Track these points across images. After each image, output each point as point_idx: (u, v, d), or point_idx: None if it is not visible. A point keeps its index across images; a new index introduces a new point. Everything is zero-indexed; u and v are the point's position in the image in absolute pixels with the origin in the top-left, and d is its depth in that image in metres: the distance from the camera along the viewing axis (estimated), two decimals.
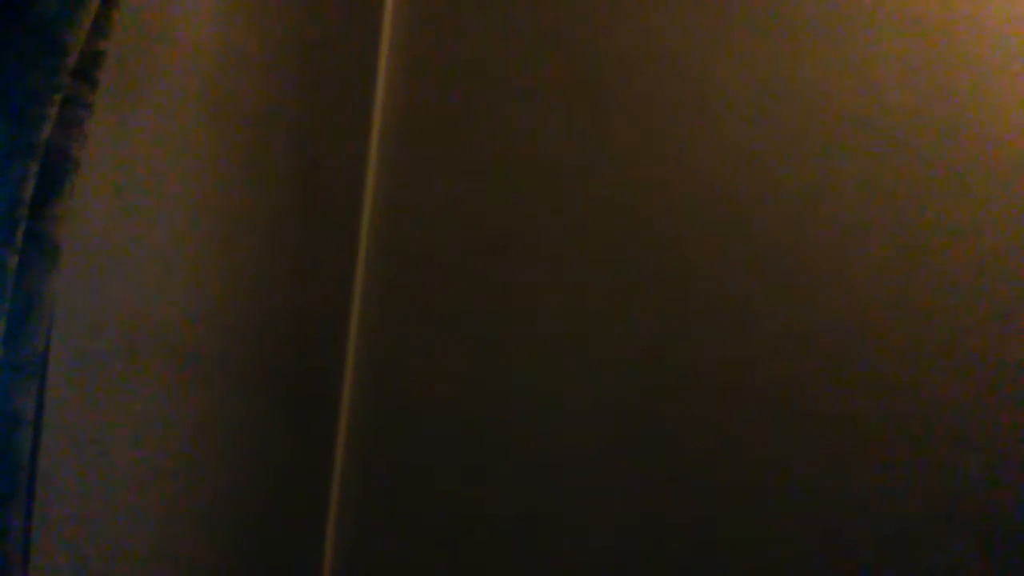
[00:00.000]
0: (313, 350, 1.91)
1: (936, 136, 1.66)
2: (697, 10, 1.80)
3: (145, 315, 1.54)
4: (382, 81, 1.96)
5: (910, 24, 1.69)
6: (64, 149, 1.23)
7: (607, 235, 1.81)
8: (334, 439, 1.92)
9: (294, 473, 1.88)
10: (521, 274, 1.85)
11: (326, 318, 1.93)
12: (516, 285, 1.85)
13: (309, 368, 1.91)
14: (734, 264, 1.74)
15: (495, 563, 1.82)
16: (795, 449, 1.68)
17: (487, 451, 1.84)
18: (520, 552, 1.81)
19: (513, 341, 1.85)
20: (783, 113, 1.74)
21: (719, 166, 1.76)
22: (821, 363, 1.68)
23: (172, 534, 1.63)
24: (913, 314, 1.65)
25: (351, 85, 1.95)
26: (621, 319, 1.79)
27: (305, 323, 1.90)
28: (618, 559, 1.76)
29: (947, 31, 1.67)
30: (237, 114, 1.72)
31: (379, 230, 1.95)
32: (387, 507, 1.89)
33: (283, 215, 1.85)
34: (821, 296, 1.69)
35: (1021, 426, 1.59)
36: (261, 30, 1.76)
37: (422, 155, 1.94)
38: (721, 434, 1.72)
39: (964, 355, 1.62)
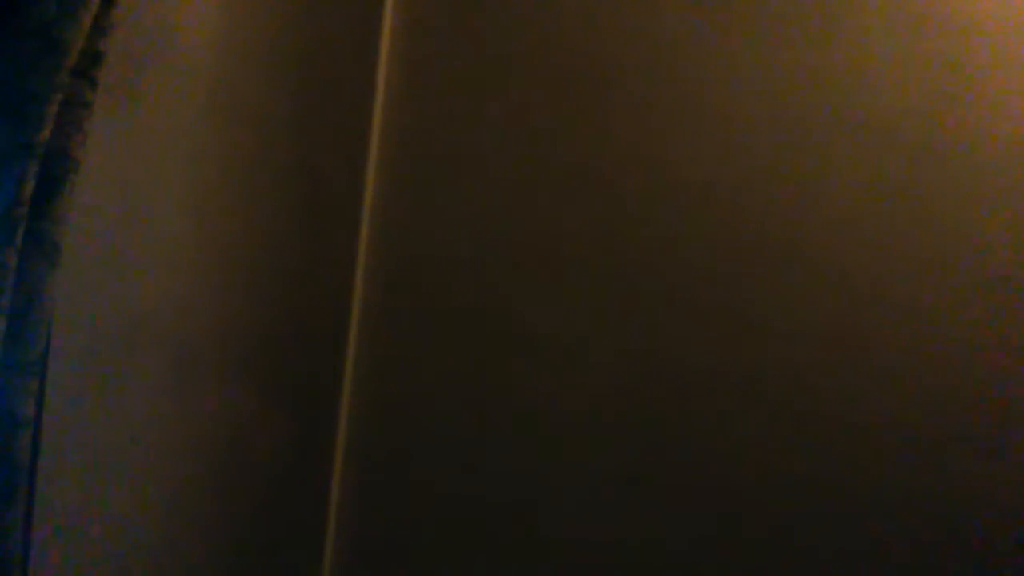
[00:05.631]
0: (313, 350, 1.91)
1: (935, 136, 1.66)
2: (696, 11, 1.80)
3: (145, 315, 1.53)
4: (382, 81, 1.96)
5: (909, 24, 1.69)
6: (64, 149, 1.22)
7: (607, 235, 1.81)
8: (334, 439, 1.92)
9: (294, 473, 1.88)
10: (520, 274, 1.85)
11: (326, 318, 1.92)
12: (515, 285, 1.85)
13: (309, 368, 1.91)
14: (733, 263, 1.74)
15: (495, 563, 1.82)
16: (794, 447, 1.68)
17: (487, 451, 1.84)
18: (520, 552, 1.80)
19: (512, 341, 1.84)
20: (782, 113, 1.74)
21: (718, 167, 1.76)
22: (821, 362, 1.68)
23: (172, 534, 1.63)
24: (912, 312, 1.65)
25: (351, 85, 1.95)
26: (620, 318, 1.79)
27: (305, 323, 1.90)
28: (619, 558, 1.75)
29: (946, 31, 1.67)
30: (237, 114, 1.71)
31: (379, 230, 1.94)
32: (387, 507, 1.89)
33: (283, 215, 1.85)
34: (821, 295, 1.69)
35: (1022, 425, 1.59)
36: (261, 30, 1.76)
37: (422, 155, 1.94)
38: (721, 433, 1.72)
39: (965, 353, 1.62)
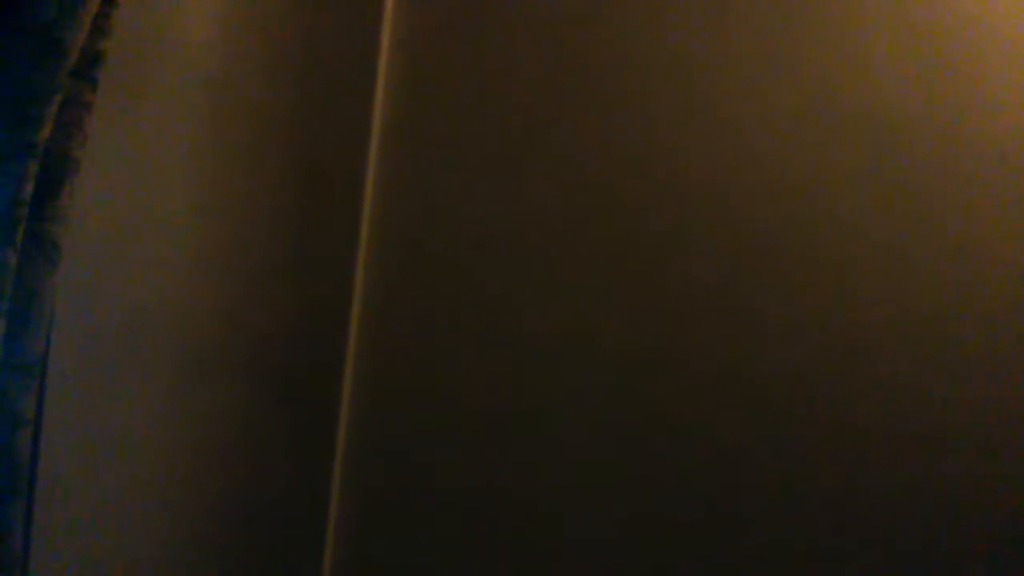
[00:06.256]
0: (313, 350, 1.91)
1: (934, 135, 1.66)
2: (697, 11, 1.80)
3: (145, 315, 1.54)
4: (382, 81, 1.96)
5: (909, 24, 1.69)
6: (64, 149, 1.22)
7: (607, 233, 1.81)
8: (334, 439, 1.92)
9: (294, 474, 1.88)
10: (521, 273, 1.85)
11: (326, 318, 1.92)
12: (516, 284, 1.85)
13: (309, 368, 1.91)
14: (733, 263, 1.74)
15: (495, 563, 1.82)
16: (793, 446, 1.68)
17: (487, 451, 1.84)
18: (520, 552, 1.81)
19: (513, 340, 1.84)
20: (781, 112, 1.74)
21: (718, 165, 1.76)
22: (820, 361, 1.68)
23: (172, 534, 1.63)
24: (911, 313, 1.65)
25: (351, 85, 1.95)
26: (621, 317, 1.79)
27: (305, 323, 1.90)
28: (618, 558, 1.76)
29: (945, 31, 1.67)
30: (237, 114, 1.71)
31: (379, 230, 1.95)
32: (387, 507, 1.89)
33: (283, 215, 1.85)
34: (819, 295, 1.69)
35: (1021, 426, 1.59)
36: (261, 30, 1.76)
37: (422, 154, 1.94)
38: (720, 431, 1.72)
39: (963, 354, 1.62)
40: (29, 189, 1.16)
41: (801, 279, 1.70)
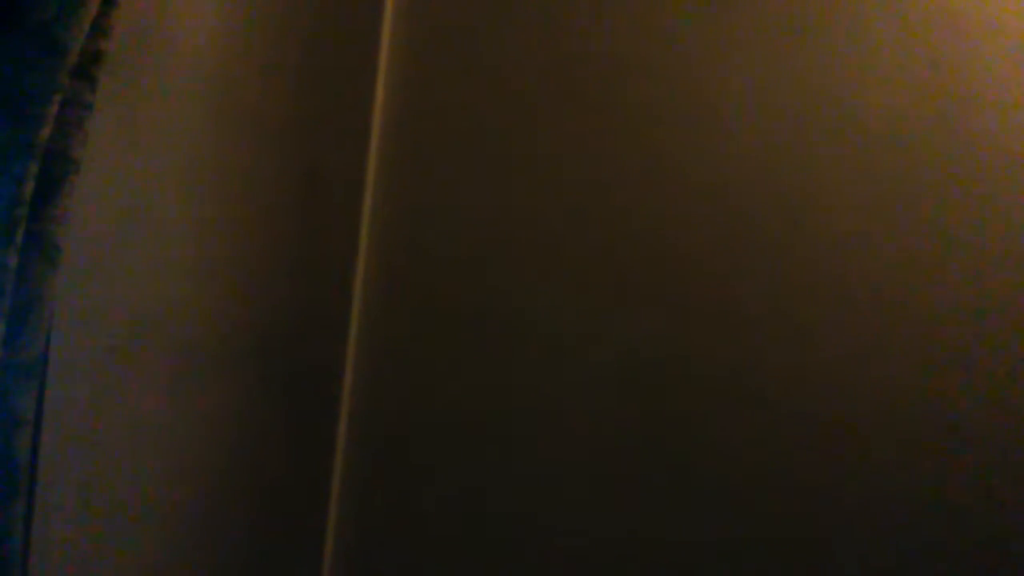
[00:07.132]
0: (313, 350, 1.91)
1: (933, 137, 1.66)
2: (694, 13, 1.80)
3: (145, 315, 1.54)
4: (382, 81, 1.96)
5: (906, 25, 1.69)
6: (64, 149, 1.23)
7: (607, 234, 1.81)
8: (334, 439, 1.92)
9: (294, 473, 1.88)
10: (521, 274, 1.85)
11: (326, 317, 1.93)
12: (516, 285, 1.85)
13: (309, 368, 1.91)
14: (733, 264, 1.74)
15: (495, 564, 1.82)
16: (794, 450, 1.68)
17: (487, 451, 1.84)
18: (520, 554, 1.81)
19: (513, 341, 1.84)
20: (780, 115, 1.74)
21: (717, 167, 1.76)
22: (821, 365, 1.68)
23: (172, 534, 1.63)
24: (910, 315, 1.65)
25: (351, 85, 1.95)
26: (621, 319, 1.79)
27: (305, 323, 1.90)
28: (618, 557, 1.76)
29: (943, 32, 1.67)
30: (237, 114, 1.71)
31: (379, 230, 1.95)
32: (387, 507, 1.89)
33: (283, 215, 1.85)
34: (820, 297, 1.69)
35: (1021, 426, 1.59)
36: (261, 30, 1.76)
37: (422, 154, 1.94)
38: (720, 435, 1.72)
39: (963, 355, 1.62)
40: (29, 189, 1.16)
41: (802, 282, 1.70)
